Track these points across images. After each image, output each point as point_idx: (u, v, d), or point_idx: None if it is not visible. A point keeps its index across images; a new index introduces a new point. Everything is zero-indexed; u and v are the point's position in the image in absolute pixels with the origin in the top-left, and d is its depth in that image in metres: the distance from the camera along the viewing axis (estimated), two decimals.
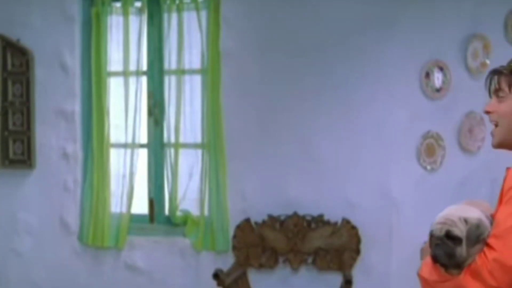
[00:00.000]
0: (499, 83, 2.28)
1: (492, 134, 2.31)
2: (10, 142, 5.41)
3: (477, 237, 2.14)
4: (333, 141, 4.87)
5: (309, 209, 4.90)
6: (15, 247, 5.48)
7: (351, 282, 4.54)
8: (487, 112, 2.31)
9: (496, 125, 2.29)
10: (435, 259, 2.18)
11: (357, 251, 4.79)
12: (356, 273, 4.75)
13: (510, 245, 2.06)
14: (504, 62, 5.22)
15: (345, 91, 4.88)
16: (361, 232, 4.79)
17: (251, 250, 4.95)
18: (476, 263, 2.10)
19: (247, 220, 4.97)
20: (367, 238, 4.79)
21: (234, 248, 4.97)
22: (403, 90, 4.82)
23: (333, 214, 4.86)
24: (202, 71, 5.11)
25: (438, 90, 4.88)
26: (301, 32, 4.94)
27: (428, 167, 4.83)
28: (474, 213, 2.20)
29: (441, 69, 4.88)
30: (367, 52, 4.85)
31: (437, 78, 4.88)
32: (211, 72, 5.03)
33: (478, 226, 2.16)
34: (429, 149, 4.88)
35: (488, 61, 4.98)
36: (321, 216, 4.88)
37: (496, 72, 2.31)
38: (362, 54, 4.85)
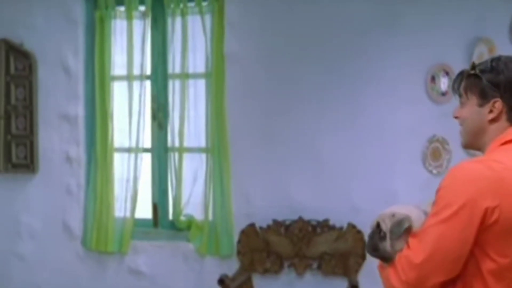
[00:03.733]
0: (459, 87, 2.41)
1: (460, 134, 2.45)
2: (13, 146, 5.39)
3: (399, 232, 2.24)
4: (339, 145, 4.86)
5: (314, 213, 4.87)
6: (18, 251, 5.46)
7: (356, 287, 4.51)
8: (455, 117, 2.46)
9: (462, 128, 2.43)
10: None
11: (363, 256, 4.76)
12: (362, 278, 4.72)
13: (421, 244, 2.18)
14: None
15: (350, 95, 4.86)
16: (366, 237, 4.75)
17: (256, 255, 4.92)
18: (396, 258, 2.23)
19: (252, 225, 4.95)
20: None
21: (239, 253, 4.95)
22: (409, 94, 4.79)
23: (339, 219, 4.84)
24: (206, 75, 5.07)
25: (443, 94, 4.85)
26: (306, 35, 4.92)
27: (434, 171, 4.80)
28: (407, 211, 2.28)
29: (446, 73, 4.86)
30: (372, 55, 4.83)
31: (443, 83, 4.86)
32: (215, 76, 5.01)
33: (400, 222, 2.25)
34: (435, 153, 4.85)
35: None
36: (326, 220, 4.86)
37: (459, 75, 2.43)
38: (367, 57, 4.83)
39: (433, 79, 4.83)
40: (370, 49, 4.83)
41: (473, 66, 2.37)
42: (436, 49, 4.81)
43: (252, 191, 4.99)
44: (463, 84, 2.40)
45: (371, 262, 4.72)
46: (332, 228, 4.84)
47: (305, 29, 4.92)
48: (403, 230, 2.25)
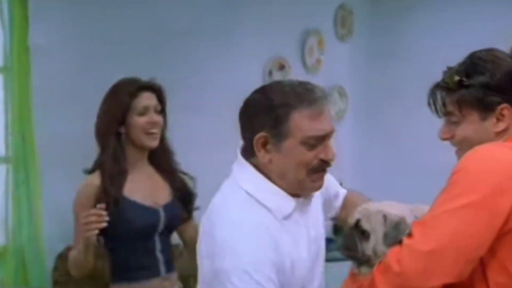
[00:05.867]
0: (445, 104, 2.06)
1: (458, 157, 2.07)
2: None
3: (395, 237, 1.98)
4: None
5: None
6: None
7: None
8: (445, 139, 2.11)
9: (460, 149, 2.08)
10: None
11: None
12: None
13: (429, 232, 1.86)
14: (336, 59, 5.05)
15: (183, 99, 4.38)
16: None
17: (80, 284, 4.17)
18: (386, 255, 1.93)
19: (71, 248, 4.19)
20: None
21: (56, 283, 4.20)
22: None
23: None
24: (6, 70, 4.26)
25: None
26: (126, 26, 4.43)
27: None
28: (399, 211, 2.04)
29: (282, 67, 4.58)
30: (205, 57, 4.47)
31: (279, 77, 4.61)
32: (17, 71, 4.20)
33: (398, 224, 2.01)
34: None
35: (323, 58, 4.83)
36: None
37: (438, 88, 2.05)
38: (196, 59, 4.48)
39: (270, 74, 4.53)
40: (201, 51, 4.42)
41: (455, 76, 1.97)
42: (271, 43, 4.63)
43: (68, 206, 4.23)
44: (449, 100, 2.01)
45: None
46: None
47: (124, 21, 4.44)
48: (403, 235, 1.93)
